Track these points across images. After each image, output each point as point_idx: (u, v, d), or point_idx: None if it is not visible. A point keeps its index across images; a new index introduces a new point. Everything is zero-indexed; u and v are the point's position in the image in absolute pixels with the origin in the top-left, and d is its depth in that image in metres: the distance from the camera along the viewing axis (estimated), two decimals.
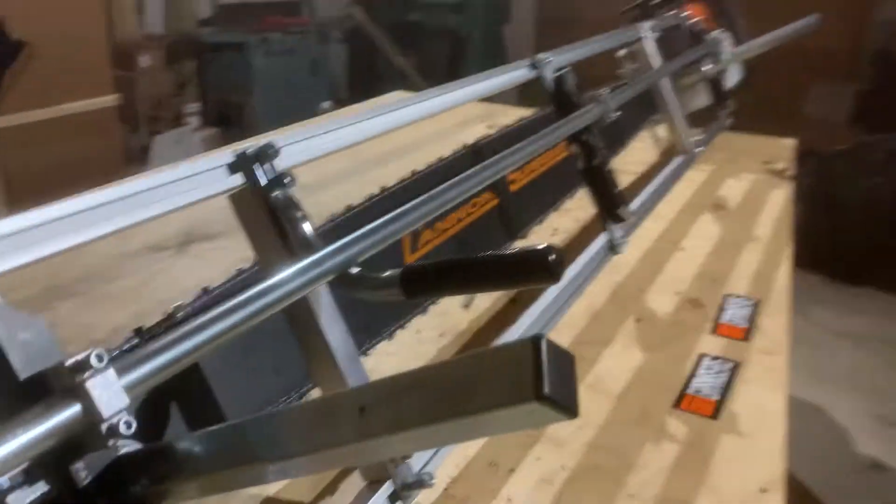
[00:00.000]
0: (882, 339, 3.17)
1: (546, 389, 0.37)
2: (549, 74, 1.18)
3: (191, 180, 0.63)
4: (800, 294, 3.52)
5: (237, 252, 0.80)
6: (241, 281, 0.79)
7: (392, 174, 1.12)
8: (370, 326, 0.97)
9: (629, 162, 1.91)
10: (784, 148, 2.15)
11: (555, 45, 1.93)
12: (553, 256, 0.55)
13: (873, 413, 2.66)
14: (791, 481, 0.80)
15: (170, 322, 0.63)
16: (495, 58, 6.53)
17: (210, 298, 0.75)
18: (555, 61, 1.19)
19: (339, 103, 6.99)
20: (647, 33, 1.73)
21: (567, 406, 0.38)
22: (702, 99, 2.11)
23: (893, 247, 3.59)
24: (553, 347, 0.38)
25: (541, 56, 1.18)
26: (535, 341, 0.38)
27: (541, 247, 0.56)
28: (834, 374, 2.91)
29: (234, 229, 0.70)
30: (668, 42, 2.10)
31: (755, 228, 1.52)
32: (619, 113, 1.20)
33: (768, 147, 2.16)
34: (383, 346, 1.00)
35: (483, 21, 6.23)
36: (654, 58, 1.74)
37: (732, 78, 2.17)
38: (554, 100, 1.17)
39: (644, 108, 2.05)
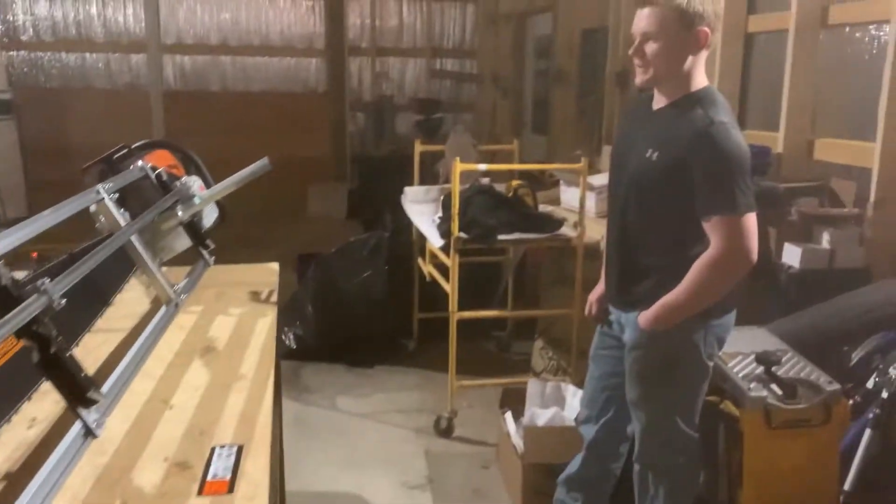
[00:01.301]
0: (398, 409, 3.64)
1: None
2: None
3: None
4: (327, 387, 3.84)
5: None
6: None
7: None
8: None
9: (118, 317, 1.88)
10: (269, 272, 2.35)
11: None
12: None
13: (399, 481, 3.03)
14: None
15: None
16: None
17: None
18: None
19: None
20: (107, 194, 1.75)
21: None
22: (183, 242, 2.19)
23: (390, 329, 4.19)
24: None
25: None
26: None
27: None
28: (365, 453, 3.24)
29: None
30: (138, 193, 2.15)
31: (242, 366, 1.63)
32: (63, 301, 1.18)
33: (255, 274, 2.34)
34: None
35: None
36: (119, 216, 1.76)
37: (209, 217, 2.31)
38: None
39: (129, 259, 2.04)
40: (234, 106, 8.36)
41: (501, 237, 3.15)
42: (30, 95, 7.69)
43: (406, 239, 4.21)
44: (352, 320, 4.14)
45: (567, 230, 3.24)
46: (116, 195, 1.81)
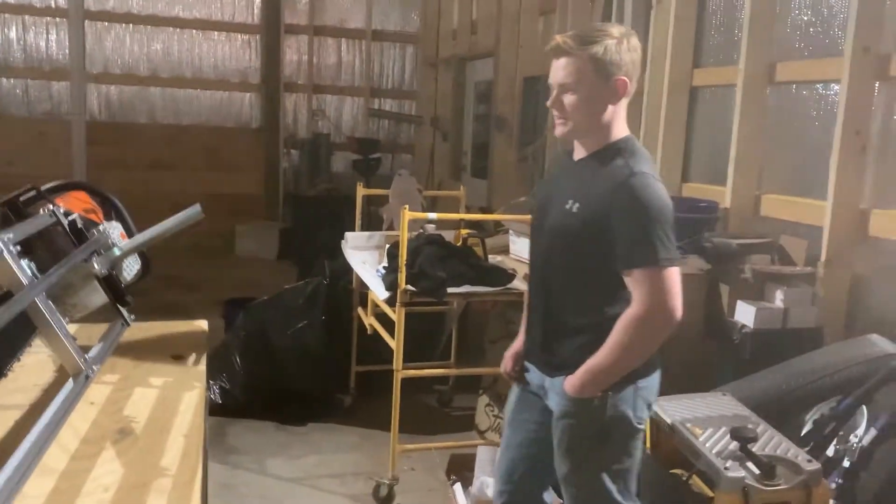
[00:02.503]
0: (333, 474, 3.37)
1: None
2: None
3: None
4: (256, 448, 3.53)
5: None
6: None
7: None
8: None
9: (14, 390, 1.60)
10: (197, 332, 2.11)
11: None
12: None
13: None
14: None
15: None
16: None
17: None
18: None
19: None
20: (7, 247, 1.49)
21: None
22: (99, 297, 1.92)
23: (325, 383, 3.93)
24: None
25: None
26: None
27: None
28: None
29: None
30: (48, 242, 1.88)
31: (164, 457, 1.38)
32: None
33: (181, 334, 2.09)
34: None
35: None
36: (21, 272, 1.50)
37: (130, 269, 2.05)
38: None
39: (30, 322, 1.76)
40: (163, 139, 8.02)
41: (451, 290, 2.98)
42: None
43: (345, 286, 3.98)
44: (284, 373, 3.86)
45: (519, 283, 3.09)
46: (19, 247, 1.55)
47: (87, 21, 7.70)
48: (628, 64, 1.78)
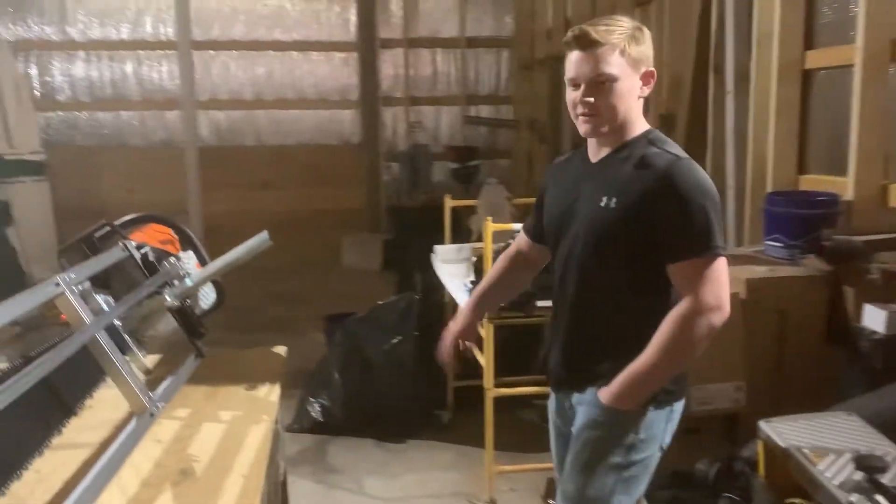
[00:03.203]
0: (431, 494, 3.29)
1: None
2: None
3: None
4: (355, 467, 3.51)
5: None
6: None
7: None
8: None
9: (86, 428, 1.60)
10: (274, 361, 2.07)
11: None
12: None
13: None
14: None
15: None
16: (1, 262, 5.70)
17: None
18: None
19: None
20: (70, 287, 1.49)
21: None
22: (173, 327, 1.93)
23: (422, 400, 3.86)
24: None
25: None
26: None
27: None
28: None
29: None
30: (123, 275, 1.90)
31: (222, 497, 1.33)
32: None
33: (259, 363, 2.06)
34: None
35: None
36: (83, 311, 1.50)
37: (207, 299, 2.05)
38: None
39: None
40: (269, 160, 8.29)
41: (540, 303, 2.83)
42: (64, 155, 7.70)
43: (438, 300, 3.90)
44: (381, 390, 3.82)
45: None
46: (82, 286, 1.56)
47: (194, 51, 8.06)
48: (650, 54, 1.70)
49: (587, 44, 1.63)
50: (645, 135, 1.71)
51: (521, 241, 2.04)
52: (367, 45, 8.32)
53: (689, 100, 4.57)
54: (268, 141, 8.44)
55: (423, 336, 3.84)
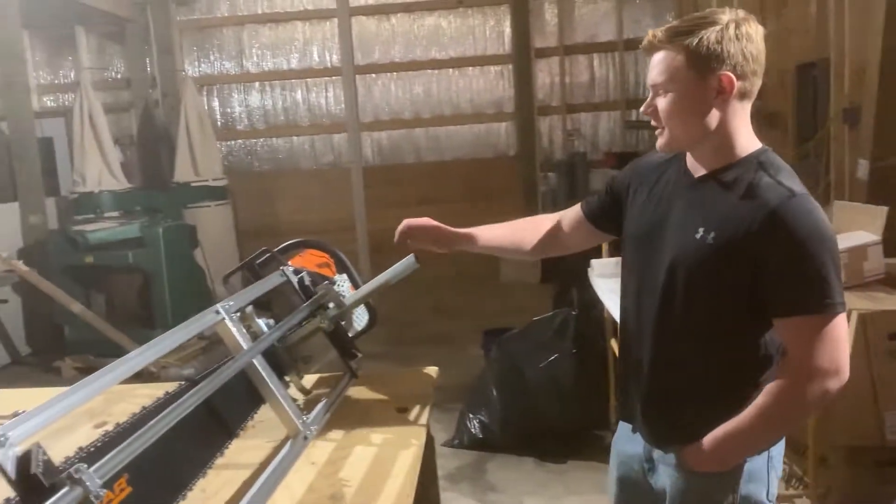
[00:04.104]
0: None
1: None
2: (11, 456, 0.91)
3: None
4: (515, 486, 3.45)
5: None
6: None
7: None
8: None
9: (248, 448, 1.67)
10: (425, 383, 2.07)
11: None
12: None
13: None
14: None
15: None
16: (191, 282, 6.22)
17: None
18: (17, 434, 0.93)
19: (17, 363, 6.14)
20: (229, 314, 1.57)
21: None
22: (329, 349, 1.98)
23: (583, 420, 3.73)
24: None
25: None
26: None
27: None
28: None
29: None
30: (283, 299, 1.98)
31: None
32: (103, 492, 0.95)
33: (410, 384, 2.07)
34: None
35: (170, 251, 5.93)
36: (241, 337, 1.57)
37: (360, 321, 2.08)
38: (17, 488, 0.90)
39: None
40: (428, 176, 8.49)
41: None
42: (243, 180, 8.33)
43: (596, 316, 3.77)
44: (539, 408, 3.74)
45: None
46: (241, 311, 1.63)
47: (357, 75, 8.44)
48: (736, 55, 1.40)
49: (648, 48, 1.47)
50: (756, 156, 1.46)
51: (570, 215, 1.86)
52: (523, 55, 8.30)
53: (876, 91, 4.12)
54: (426, 157, 8.64)
55: (580, 353, 3.73)
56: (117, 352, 4.07)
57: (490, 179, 8.43)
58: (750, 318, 1.45)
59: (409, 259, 1.92)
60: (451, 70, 8.53)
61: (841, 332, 1.39)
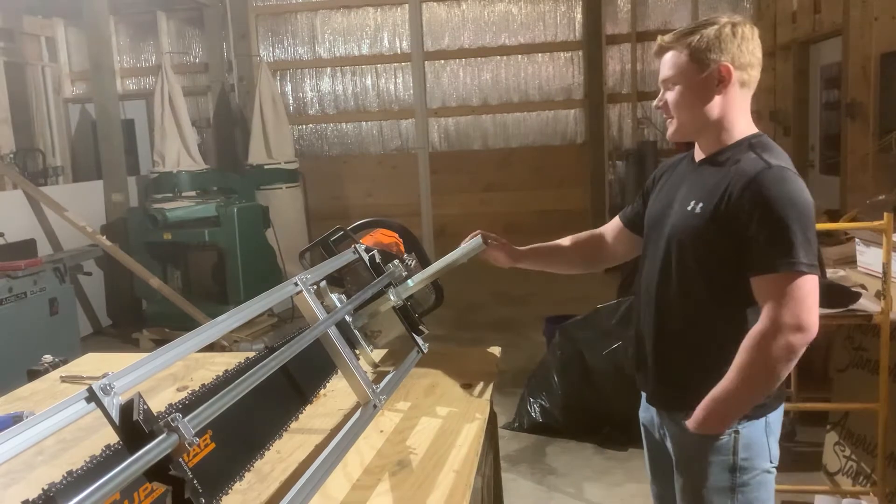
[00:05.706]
0: None
1: None
2: (116, 404, 0.99)
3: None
4: (574, 471, 3.47)
5: None
6: None
7: None
8: None
9: (321, 414, 1.76)
10: (489, 361, 2.11)
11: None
12: None
13: None
14: None
15: None
16: (263, 261, 6.41)
17: None
18: (120, 385, 1.02)
19: (98, 334, 6.47)
20: (306, 286, 1.64)
21: None
22: (398, 325, 2.05)
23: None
24: None
25: (104, 381, 1.00)
26: None
27: None
28: None
29: None
30: (355, 276, 2.05)
31: (435, 491, 1.39)
32: (196, 439, 1.02)
33: (475, 361, 2.12)
34: None
35: (243, 230, 6.14)
36: (317, 308, 1.64)
37: (427, 299, 2.14)
38: (121, 432, 0.99)
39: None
40: (495, 163, 8.50)
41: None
42: (313, 164, 8.51)
43: None
44: (601, 395, 3.75)
45: (866, 303, 2.58)
46: (316, 286, 1.71)
47: (426, 62, 8.50)
48: (733, 50, 1.60)
49: (657, 51, 1.67)
50: (749, 139, 1.63)
51: (611, 226, 2.01)
52: (593, 41, 8.21)
53: None
54: (493, 145, 8.65)
55: None
56: (192, 325, 4.26)
57: (557, 167, 8.39)
58: (741, 285, 1.56)
59: (476, 240, 1.97)
60: (519, 56, 8.50)
61: (805, 292, 1.49)
